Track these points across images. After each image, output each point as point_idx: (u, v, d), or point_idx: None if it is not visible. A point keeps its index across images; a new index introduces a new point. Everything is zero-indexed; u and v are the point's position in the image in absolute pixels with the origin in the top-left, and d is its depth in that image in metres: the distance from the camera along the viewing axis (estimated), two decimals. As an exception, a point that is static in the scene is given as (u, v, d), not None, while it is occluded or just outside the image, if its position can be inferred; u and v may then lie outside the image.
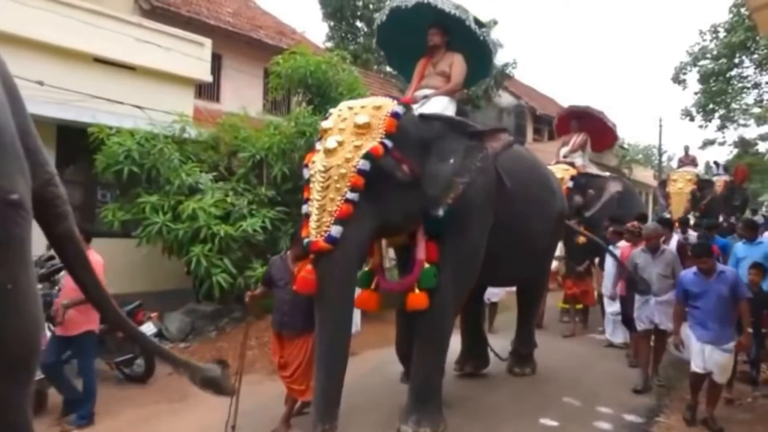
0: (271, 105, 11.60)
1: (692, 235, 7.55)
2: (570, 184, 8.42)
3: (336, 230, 3.46)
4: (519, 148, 5.54)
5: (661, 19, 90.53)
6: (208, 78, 9.08)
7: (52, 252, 6.05)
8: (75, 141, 7.24)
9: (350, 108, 3.84)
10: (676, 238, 7.14)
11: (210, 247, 6.48)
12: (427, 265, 4.04)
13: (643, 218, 8.36)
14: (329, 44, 19.08)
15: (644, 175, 26.02)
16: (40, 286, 5.72)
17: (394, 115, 3.71)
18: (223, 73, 11.25)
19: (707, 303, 4.52)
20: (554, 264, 8.21)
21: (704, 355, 4.53)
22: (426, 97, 4.63)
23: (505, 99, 21.34)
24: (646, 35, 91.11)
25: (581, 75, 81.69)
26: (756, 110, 22.52)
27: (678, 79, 23.39)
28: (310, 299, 3.86)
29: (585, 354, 6.96)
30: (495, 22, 19.11)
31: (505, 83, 20.59)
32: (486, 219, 4.43)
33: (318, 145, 3.81)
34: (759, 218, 9.80)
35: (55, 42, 7.07)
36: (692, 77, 23.08)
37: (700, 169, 14.77)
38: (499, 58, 19.63)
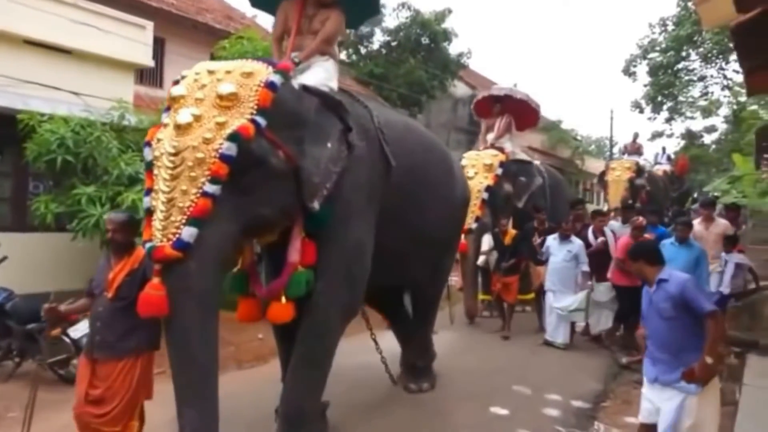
0: (218, 91, 11.24)
1: (613, 224, 7.10)
2: (499, 171, 7.91)
3: (189, 233, 2.72)
4: (416, 127, 5.02)
5: (613, 12, 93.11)
6: (149, 63, 8.70)
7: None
8: (3, 129, 6.76)
9: (211, 72, 3.05)
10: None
11: (152, 240, 6.18)
12: (300, 269, 3.32)
13: (579, 204, 8.35)
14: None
15: (596, 166, 26.48)
16: None
17: (269, 85, 3.00)
18: (167, 58, 10.83)
19: (649, 325, 3.35)
20: (481, 259, 7.71)
21: (651, 402, 3.27)
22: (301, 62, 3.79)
23: (459, 89, 21.45)
24: (598, 27, 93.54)
25: (534, 66, 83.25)
26: (702, 103, 23.36)
27: (629, 72, 24.06)
28: (131, 310, 2.91)
29: (532, 345, 6.92)
30: (450, 11, 19.15)
31: (459, 73, 20.69)
32: (371, 210, 3.82)
33: (166, 119, 3.01)
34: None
35: (-21, 22, 6.60)
36: (642, 70, 23.77)
37: (648, 158, 15.03)
38: (454, 48, 19.71)
